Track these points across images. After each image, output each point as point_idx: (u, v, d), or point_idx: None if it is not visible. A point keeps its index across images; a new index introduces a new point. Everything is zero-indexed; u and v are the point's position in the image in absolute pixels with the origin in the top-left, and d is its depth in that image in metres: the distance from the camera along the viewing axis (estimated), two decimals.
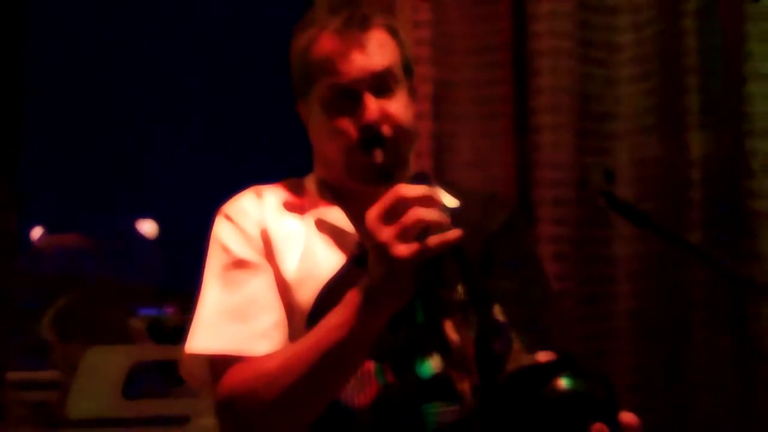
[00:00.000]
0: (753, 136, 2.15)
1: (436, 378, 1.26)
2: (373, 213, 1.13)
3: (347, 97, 1.30)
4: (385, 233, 1.11)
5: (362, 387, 1.26)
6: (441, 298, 1.17)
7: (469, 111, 2.29)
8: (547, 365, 0.99)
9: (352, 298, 1.17)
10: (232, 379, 1.25)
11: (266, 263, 1.32)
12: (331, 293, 1.27)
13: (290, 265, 1.32)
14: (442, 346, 1.24)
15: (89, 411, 2.82)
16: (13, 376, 3.34)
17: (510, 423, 0.95)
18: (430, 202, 1.12)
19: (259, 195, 1.39)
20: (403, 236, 1.10)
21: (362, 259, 1.20)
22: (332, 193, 1.38)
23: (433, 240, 1.09)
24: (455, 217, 1.16)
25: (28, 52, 2.27)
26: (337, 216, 1.35)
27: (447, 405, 1.25)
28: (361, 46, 1.31)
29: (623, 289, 2.25)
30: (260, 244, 1.33)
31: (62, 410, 2.83)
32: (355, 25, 1.31)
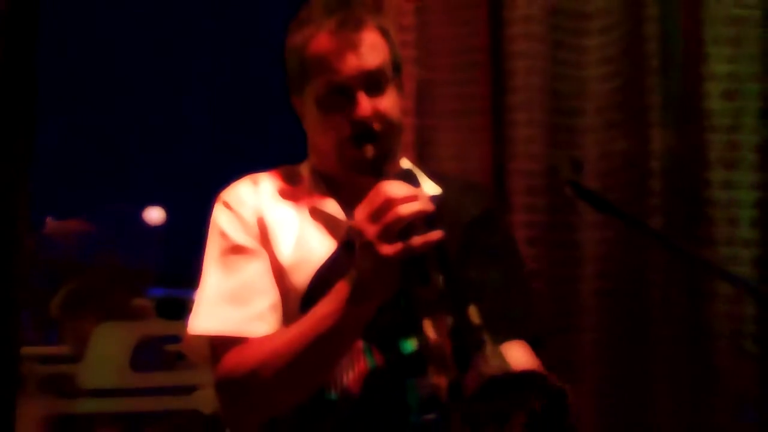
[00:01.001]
0: (709, 131, 2.17)
1: (417, 353, 1.27)
2: (361, 212, 1.13)
3: (341, 94, 1.30)
4: (372, 232, 1.11)
5: (351, 364, 1.27)
6: (421, 298, 1.18)
7: (449, 108, 2.29)
8: (509, 379, 1.00)
9: (340, 290, 1.17)
10: (231, 359, 1.25)
11: (262, 249, 1.32)
12: (324, 277, 1.27)
13: (285, 251, 1.31)
14: (421, 343, 1.25)
15: (100, 382, 2.83)
16: (28, 350, 3.34)
17: None
18: (414, 201, 1.12)
19: (255, 183, 1.38)
20: (389, 235, 1.11)
21: (352, 244, 1.20)
22: (325, 182, 1.38)
23: (417, 240, 1.10)
24: (437, 204, 1.17)
25: (42, 43, 2.23)
26: (330, 206, 1.35)
27: (428, 378, 1.26)
28: (355, 47, 1.30)
29: (589, 270, 2.26)
30: (256, 230, 1.32)
31: (75, 381, 2.84)
32: (350, 26, 1.30)
